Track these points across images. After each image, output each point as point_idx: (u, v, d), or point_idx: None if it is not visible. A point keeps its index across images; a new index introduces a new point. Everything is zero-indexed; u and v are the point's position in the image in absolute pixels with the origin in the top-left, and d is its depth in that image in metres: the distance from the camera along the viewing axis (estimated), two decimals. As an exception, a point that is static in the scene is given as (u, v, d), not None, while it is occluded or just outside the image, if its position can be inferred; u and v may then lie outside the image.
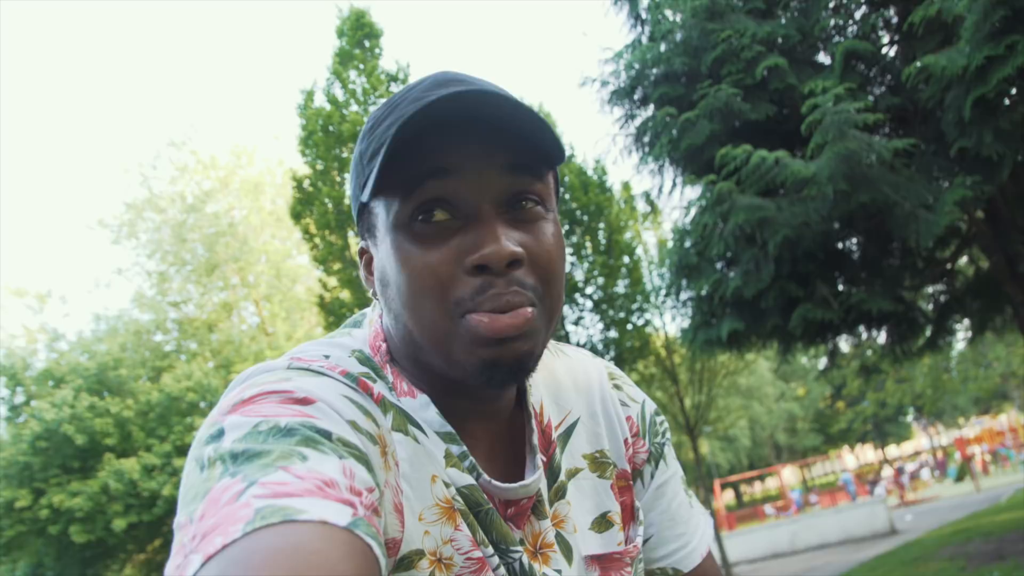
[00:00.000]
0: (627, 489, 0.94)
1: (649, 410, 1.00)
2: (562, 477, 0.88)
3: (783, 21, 7.83)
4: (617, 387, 0.98)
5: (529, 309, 0.74)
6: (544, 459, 0.86)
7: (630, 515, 0.94)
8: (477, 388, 0.78)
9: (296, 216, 14.45)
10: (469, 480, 0.78)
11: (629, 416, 0.97)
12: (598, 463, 0.92)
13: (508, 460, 0.86)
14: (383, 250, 0.77)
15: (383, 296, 0.79)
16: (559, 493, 0.87)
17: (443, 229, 0.74)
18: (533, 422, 0.87)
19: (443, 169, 0.73)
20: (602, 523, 0.90)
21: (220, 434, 0.64)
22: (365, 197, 0.76)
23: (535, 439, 0.86)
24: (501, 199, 0.75)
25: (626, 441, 0.95)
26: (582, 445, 0.92)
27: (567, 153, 0.80)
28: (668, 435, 1.01)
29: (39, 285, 40.57)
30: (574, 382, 0.95)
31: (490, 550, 0.78)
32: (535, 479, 0.82)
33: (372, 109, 13.87)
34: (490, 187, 0.74)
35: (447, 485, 0.77)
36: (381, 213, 0.77)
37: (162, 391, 21.08)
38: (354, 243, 14.00)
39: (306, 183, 14.35)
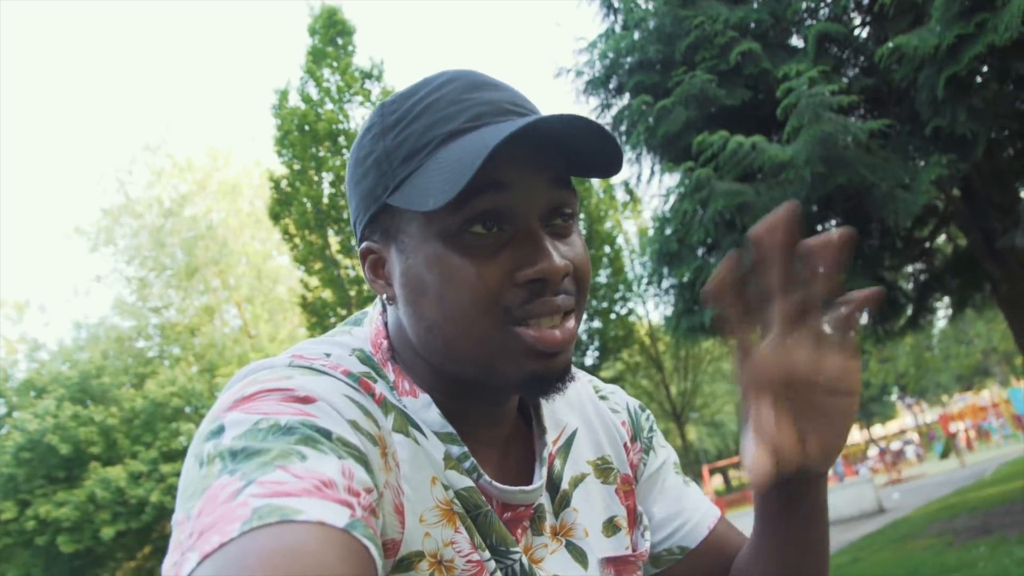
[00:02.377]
0: (631, 494, 0.95)
1: (634, 407, 1.01)
2: (564, 487, 0.88)
3: (755, 6, 7.86)
4: (603, 397, 1.00)
5: (572, 322, 0.76)
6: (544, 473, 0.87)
7: (633, 519, 0.95)
8: (507, 394, 0.81)
9: (275, 217, 14.41)
10: (467, 482, 0.78)
11: (623, 421, 0.98)
12: (601, 469, 0.93)
13: (517, 467, 0.86)
14: (419, 258, 0.75)
15: (412, 304, 0.77)
16: (563, 503, 0.87)
17: (493, 241, 0.73)
18: (547, 436, 0.88)
19: (500, 183, 0.72)
20: (610, 527, 0.90)
21: (220, 431, 0.64)
22: (427, 204, 0.70)
23: (546, 452, 0.86)
24: (545, 212, 0.75)
25: (625, 446, 0.97)
26: (585, 452, 0.92)
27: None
28: (655, 426, 1.03)
29: (17, 295, 40.15)
30: (565, 396, 0.93)
31: (487, 554, 0.77)
32: (537, 487, 0.82)
33: (348, 106, 13.91)
34: (538, 200, 0.74)
35: (446, 488, 0.77)
36: (418, 219, 0.75)
37: (146, 397, 20.99)
38: (334, 242, 13.95)
39: (283, 183, 14.30)
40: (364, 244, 0.81)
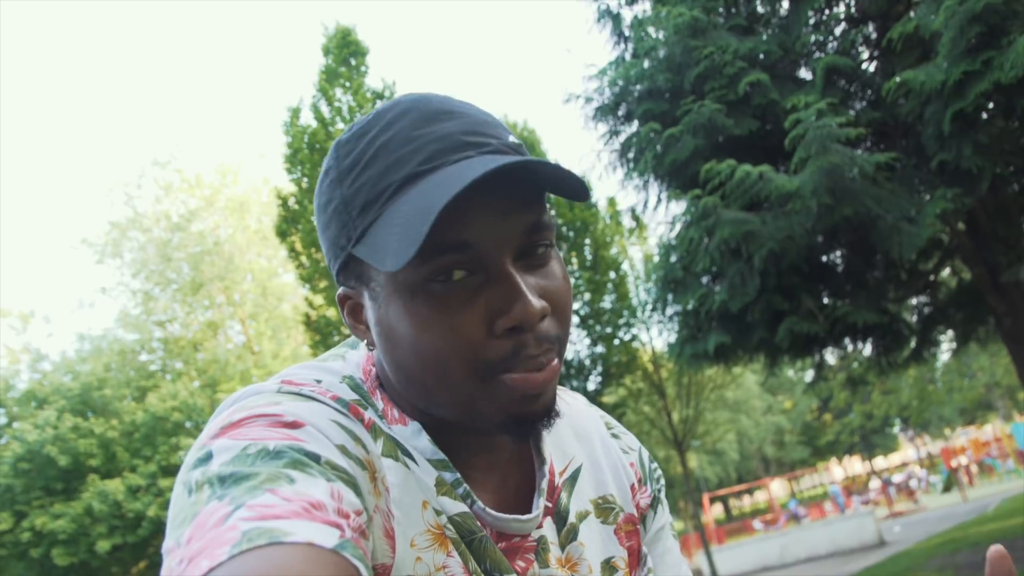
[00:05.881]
0: (634, 534, 0.93)
1: (646, 457, 0.99)
2: (572, 520, 0.86)
3: (764, 38, 7.91)
4: (615, 436, 0.97)
5: (555, 360, 0.73)
6: (550, 504, 0.85)
7: (636, 560, 0.93)
8: (491, 435, 0.79)
9: (282, 234, 14.44)
10: (462, 507, 0.77)
11: (632, 463, 0.96)
12: (602, 509, 0.91)
13: (517, 495, 0.85)
14: (392, 310, 0.72)
15: (390, 352, 0.74)
16: (570, 535, 0.86)
17: (464, 288, 0.70)
18: (546, 468, 0.85)
19: (462, 243, 0.69)
20: (607, 568, 0.89)
21: (208, 457, 0.63)
22: (385, 264, 0.67)
23: (544, 483, 0.84)
24: (518, 251, 0.72)
25: (632, 487, 0.94)
26: (588, 490, 0.91)
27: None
28: (663, 481, 1.00)
29: (22, 305, 40.18)
30: (574, 429, 0.94)
31: None
32: (532, 517, 0.81)
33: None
34: (509, 242, 0.71)
35: (438, 513, 0.76)
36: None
37: (147, 411, 20.94)
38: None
39: (291, 201, 14.35)
40: (341, 290, 0.79)
